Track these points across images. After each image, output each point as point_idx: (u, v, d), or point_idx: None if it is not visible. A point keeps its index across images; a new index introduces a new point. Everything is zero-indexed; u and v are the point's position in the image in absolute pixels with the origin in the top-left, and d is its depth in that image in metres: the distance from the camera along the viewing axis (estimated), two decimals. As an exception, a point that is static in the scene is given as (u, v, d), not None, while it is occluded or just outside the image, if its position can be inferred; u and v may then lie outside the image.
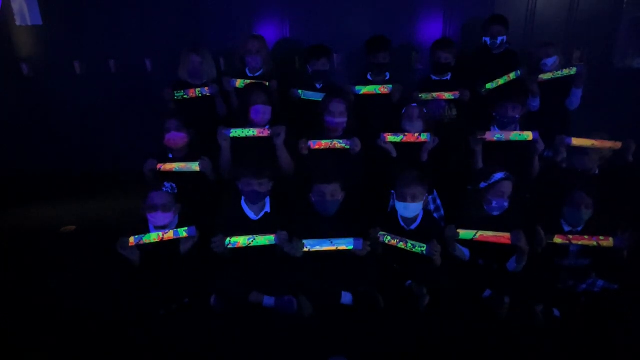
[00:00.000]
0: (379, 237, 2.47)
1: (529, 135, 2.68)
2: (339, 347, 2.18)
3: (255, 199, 2.53)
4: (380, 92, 3.11)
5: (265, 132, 2.75)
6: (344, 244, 2.35)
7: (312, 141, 2.79)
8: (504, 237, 2.33)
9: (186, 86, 3.21)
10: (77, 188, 4.21)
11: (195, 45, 3.30)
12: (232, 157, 2.84)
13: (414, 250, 2.41)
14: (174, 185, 2.59)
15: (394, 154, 2.83)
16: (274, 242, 2.39)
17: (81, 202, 3.96)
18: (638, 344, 2.20)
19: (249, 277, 2.46)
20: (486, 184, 2.47)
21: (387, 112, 3.07)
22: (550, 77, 3.05)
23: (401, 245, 2.44)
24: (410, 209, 2.50)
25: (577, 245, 2.41)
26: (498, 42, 3.27)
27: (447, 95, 3.16)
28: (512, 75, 3.11)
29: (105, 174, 4.33)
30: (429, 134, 2.76)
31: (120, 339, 2.27)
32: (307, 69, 3.31)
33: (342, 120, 2.85)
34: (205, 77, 3.28)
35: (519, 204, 2.56)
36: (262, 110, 2.81)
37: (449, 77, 3.31)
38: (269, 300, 2.43)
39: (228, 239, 2.37)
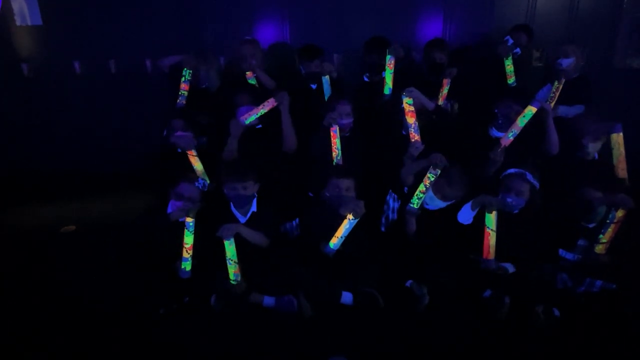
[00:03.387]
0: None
1: (532, 110, 2.66)
2: (339, 347, 2.18)
3: (241, 203, 2.55)
4: (391, 70, 3.05)
5: (271, 103, 2.79)
6: (350, 226, 2.42)
7: (335, 129, 2.81)
8: (490, 252, 2.40)
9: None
10: (77, 188, 4.21)
11: (202, 52, 3.32)
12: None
13: (429, 177, 2.51)
14: (206, 183, 2.68)
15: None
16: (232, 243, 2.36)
17: (81, 202, 3.96)
18: (638, 344, 2.20)
19: (249, 277, 2.45)
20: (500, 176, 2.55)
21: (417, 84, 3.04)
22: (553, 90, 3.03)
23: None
24: (436, 203, 2.56)
25: (584, 239, 2.47)
26: (517, 50, 3.26)
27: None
28: (511, 81, 3.14)
29: (105, 174, 4.33)
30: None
31: (120, 339, 2.27)
32: (300, 70, 3.30)
33: (348, 121, 2.87)
34: (207, 83, 3.32)
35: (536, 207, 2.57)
36: (246, 110, 2.86)
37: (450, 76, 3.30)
38: (269, 300, 2.43)
39: (230, 280, 2.37)
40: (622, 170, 2.81)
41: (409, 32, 3.84)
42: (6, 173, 4.33)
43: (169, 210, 2.56)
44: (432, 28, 3.83)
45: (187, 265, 2.44)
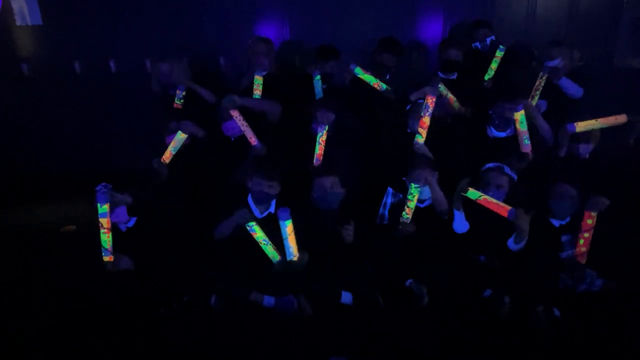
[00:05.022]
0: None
1: (522, 114, 2.69)
2: (339, 347, 2.18)
3: (262, 200, 2.54)
4: (372, 86, 3.08)
5: (236, 114, 2.87)
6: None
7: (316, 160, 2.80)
8: (503, 208, 2.32)
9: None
10: (77, 188, 4.19)
11: (162, 53, 3.28)
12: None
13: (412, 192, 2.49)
14: (105, 184, 2.61)
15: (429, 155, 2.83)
16: (277, 259, 2.38)
17: (81, 202, 3.95)
18: (638, 344, 2.20)
19: (249, 277, 2.45)
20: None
21: (386, 109, 3.08)
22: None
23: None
24: (424, 192, 2.57)
25: (567, 235, 2.47)
26: (488, 43, 3.28)
27: (455, 105, 3.16)
28: (499, 53, 3.13)
29: (106, 173, 4.31)
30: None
31: (120, 339, 2.27)
32: (310, 69, 3.28)
33: (322, 128, 2.87)
34: (180, 81, 3.21)
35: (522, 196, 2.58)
36: (230, 126, 2.96)
37: (455, 77, 3.30)
38: (269, 300, 2.43)
39: (252, 222, 2.33)
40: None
41: (409, 32, 3.84)
42: (6, 173, 4.33)
43: (119, 226, 2.53)
44: (432, 28, 3.83)
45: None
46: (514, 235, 2.40)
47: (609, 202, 2.30)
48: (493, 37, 3.30)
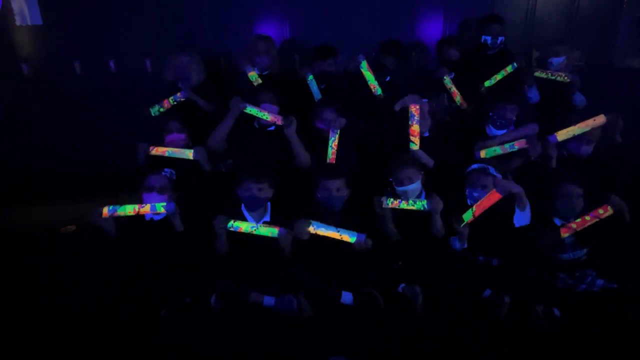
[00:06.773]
0: (382, 202, 2.51)
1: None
2: (339, 347, 2.18)
3: (254, 205, 2.51)
4: (369, 85, 3.07)
5: (278, 120, 2.79)
6: (347, 235, 2.36)
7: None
8: (492, 195, 2.35)
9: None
10: (77, 188, 4.20)
11: (162, 53, 3.31)
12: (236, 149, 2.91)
13: (415, 207, 2.46)
14: (173, 172, 2.62)
15: (430, 165, 2.85)
16: (276, 236, 2.39)
17: (81, 202, 3.95)
18: (638, 344, 2.20)
19: (249, 277, 2.45)
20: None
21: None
22: (543, 77, 3.07)
23: (403, 204, 2.49)
24: (410, 192, 2.55)
25: (571, 236, 2.45)
26: (498, 41, 3.28)
27: (457, 99, 3.20)
28: (509, 69, 3.15)
29: (105, 173, 4.32)
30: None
31: (120, 339, 2.27)
32: (302, 71, 3.28)
33: (334, 130, 2.86)
34: (193, 78, 3.24)
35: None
36: (267, 109, 2.84)
37: (452, 76, 3.31)
38: (269, 300, 2.43)
39: (231, 221, 2.37)
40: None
41: (409, 32, 3.84)
42: (6, 173, 4.33)
43: (145, 201, 2.50)
44: (432, 28, 3.83)
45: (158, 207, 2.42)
46: (517, 212, 2.43)
47: (627, 208, 2.33)
48: (503, 38, 3.30)
